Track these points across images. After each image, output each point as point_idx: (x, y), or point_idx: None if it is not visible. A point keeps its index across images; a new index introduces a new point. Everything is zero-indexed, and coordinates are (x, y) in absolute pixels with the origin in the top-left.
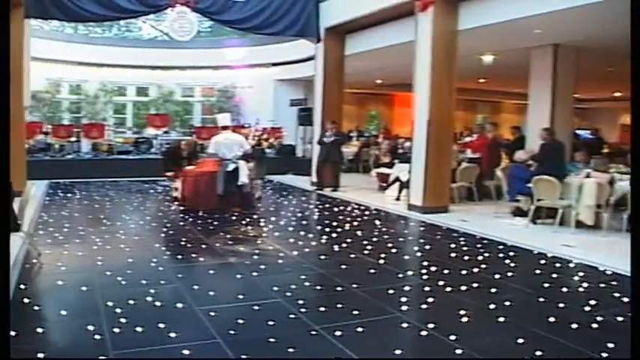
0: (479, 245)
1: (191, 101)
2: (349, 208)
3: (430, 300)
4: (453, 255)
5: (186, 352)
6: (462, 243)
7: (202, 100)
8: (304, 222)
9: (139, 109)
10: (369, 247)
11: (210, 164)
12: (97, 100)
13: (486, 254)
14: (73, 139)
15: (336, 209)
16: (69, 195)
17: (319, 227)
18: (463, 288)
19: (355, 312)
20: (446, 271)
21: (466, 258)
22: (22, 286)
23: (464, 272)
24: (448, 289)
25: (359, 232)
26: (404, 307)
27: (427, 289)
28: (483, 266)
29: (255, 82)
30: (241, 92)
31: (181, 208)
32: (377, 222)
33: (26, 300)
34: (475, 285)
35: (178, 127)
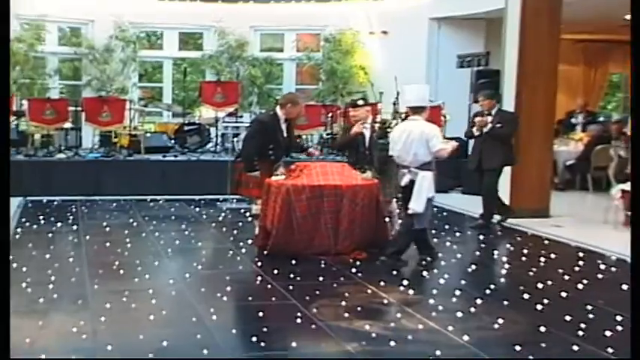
0: None
1: (278, 59)
2: (567, 257)
3: None
4: None
5: None
6: None
7: (298, 56)
8: (480, 280)
9: (186, 74)
10: (607, 333)
11: (317, 171)
12: (109, 56)
13: None
14: (68, 125)
15: (542, 259)
16: (59, 224)
17: (508, 291)
18: None
19: None
20: None
21: None
22: None
23: None
24: None
25: (587, 304)
26: None
27: None
28: None
29: (394, 25)
30: (368, 43)
31: (260, 248)
32: (623, 285)
33: None
34: None
35: (255, 106)
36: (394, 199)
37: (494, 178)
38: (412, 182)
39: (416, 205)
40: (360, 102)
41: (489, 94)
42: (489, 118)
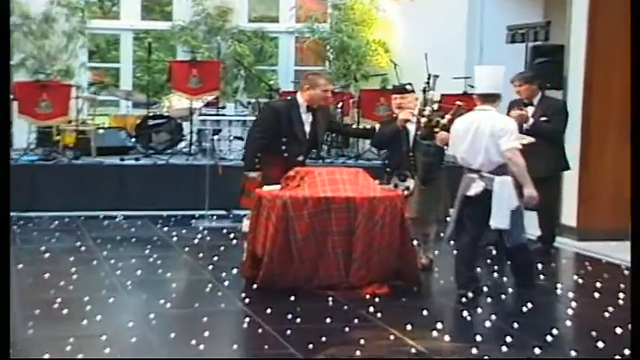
0: None
1: (272, 32)
2: None
3: None
4: None
5: None
6: None
7: (298, 28)
8: (538, 323)
9: (151, 51)
10: None
11: (323, 179)
12: (49, 28)
13: None
14: None
15: (621, 295)
16: None
17: (576, 338)
18: None
19: None
20: None
21: None
22: None
23: None
24: None
25: None
26: None
27: None
28: None
29: None
30: (390, 11)
31: (248, 280)
32: None
33: None
34: None
35: (242, 94)
36: (435, 221)
37: (550, 189)
38: (486, 192)
39: (498, 220)
40: (409, 87)
41: (528, 77)
42: (530, 110)
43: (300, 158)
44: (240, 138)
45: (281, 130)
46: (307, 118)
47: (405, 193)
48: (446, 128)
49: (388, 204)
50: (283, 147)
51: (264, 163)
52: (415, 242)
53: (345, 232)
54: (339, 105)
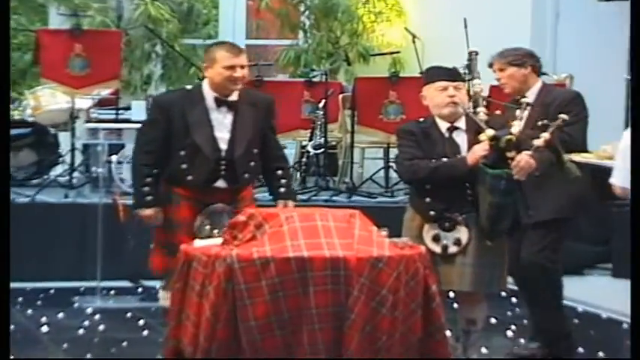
0: None
1: None
2: None
3: None
4: None
5: None
6: None
7: None
8: None
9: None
10: None
11: (294, 228)
12: None
13: None
14: None
15: None
16: None
17: None
18: None
19: None
20: None
21: None
22: None
23: None
24: None
25: None
26: None
27: None
28: None
29: None
30: None
31: None
32: None
33: None
34: None
35: (159, 85)
36: (486, 298)
37: (553, 239)
38: None
39: None
40: (464, 72)
41: (517, 56)
42: (520, 112)
43: (221, 185)
44: None
45: (176, 138)
46: (221, 119)
47: (453, 250)
48: (518, 146)
49: (402, 269)
50: (183, 166)
51: (164, 195)
52: (449, 333)
53: (331, 315)
54: (321, 102)
